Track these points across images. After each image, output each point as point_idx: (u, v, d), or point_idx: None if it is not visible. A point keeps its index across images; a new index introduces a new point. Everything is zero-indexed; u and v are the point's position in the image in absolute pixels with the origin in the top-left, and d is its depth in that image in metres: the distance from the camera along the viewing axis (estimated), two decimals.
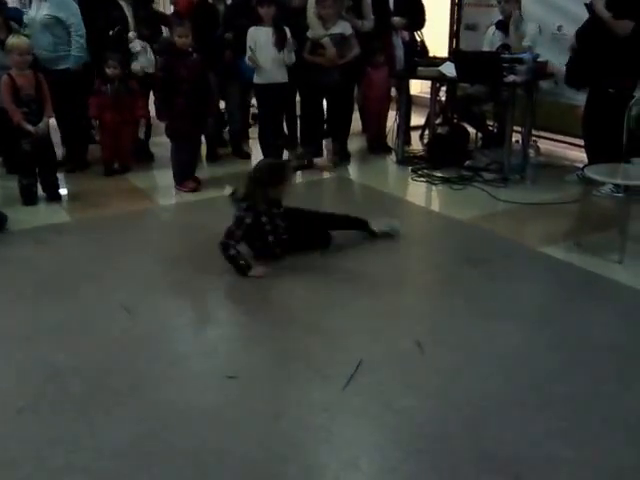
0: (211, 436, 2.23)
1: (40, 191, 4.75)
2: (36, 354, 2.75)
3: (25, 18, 5.15)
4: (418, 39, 6.43)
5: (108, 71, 5.11)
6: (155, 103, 4.85)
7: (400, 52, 6.08)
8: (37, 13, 5.02)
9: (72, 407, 2.40)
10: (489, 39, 5.71)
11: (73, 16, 5.04)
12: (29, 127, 4.48)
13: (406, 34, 6.18)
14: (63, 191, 4.92)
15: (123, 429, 2.27)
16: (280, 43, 5.09)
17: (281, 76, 5.21)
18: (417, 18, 6.23)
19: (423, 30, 6.40)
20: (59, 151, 5.19)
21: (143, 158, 5.80)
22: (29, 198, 4.67)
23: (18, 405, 2.40)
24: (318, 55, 5.32)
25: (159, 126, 5.19)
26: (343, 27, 5.32)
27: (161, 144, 5.71)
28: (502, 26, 5.58)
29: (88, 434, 2.25)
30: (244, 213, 3.40)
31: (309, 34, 5.31)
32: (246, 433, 2.24)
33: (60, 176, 4.95)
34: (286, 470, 2.07)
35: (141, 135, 5.59)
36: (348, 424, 2.31)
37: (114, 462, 2.12)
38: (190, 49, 4.75)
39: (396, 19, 5.97)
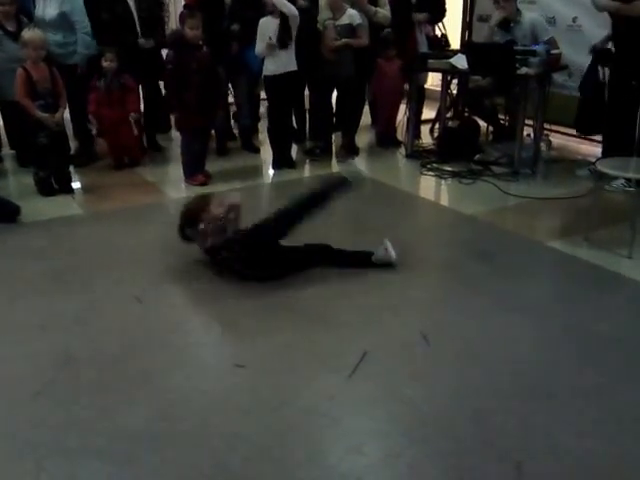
0: (220, 421, 2.28)
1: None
2: (50, 342, 2.79)
3: (35, 18, 5.15)
4: (439, 33, 6.42)
5: (105, 64, 5.12)
6: (165, 96, 4.86)
7: (424, 48, 6.04)
8: (44, 12, 5.08)
9: (86, 392, 2.45)
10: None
11: (78, 13, 5.09)
12: (45, 115, 4.53)
13: (430, 29, 6.18)
14: (75, 184, 4.97)
15: (136, 413, 2.32)
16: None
17: (292, 64, 5.13)
18: (437, 10, 6.22)
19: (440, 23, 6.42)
20: (71, 145, 5.24)
21: (151, 150, 5.89)
22: (47, 189, 4.75)
23: (33, 390, 2.45)
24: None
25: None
26: (350, 16, 5.31)
27: (171, 138, 5.76)
28: (501, 24, 5.54)
29: (102, 418, 2.29)
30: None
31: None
32: (254, 419, 2.28)
33: (71, 169, 4.99)
34: (292, 454, 2.11)
35: (134, 131, 5.48)
36: (353, 411, 2.34)
37: (128, 445, 2.16)
38: (200, 42, 4.75)
39: (418, 15, 5.97)
